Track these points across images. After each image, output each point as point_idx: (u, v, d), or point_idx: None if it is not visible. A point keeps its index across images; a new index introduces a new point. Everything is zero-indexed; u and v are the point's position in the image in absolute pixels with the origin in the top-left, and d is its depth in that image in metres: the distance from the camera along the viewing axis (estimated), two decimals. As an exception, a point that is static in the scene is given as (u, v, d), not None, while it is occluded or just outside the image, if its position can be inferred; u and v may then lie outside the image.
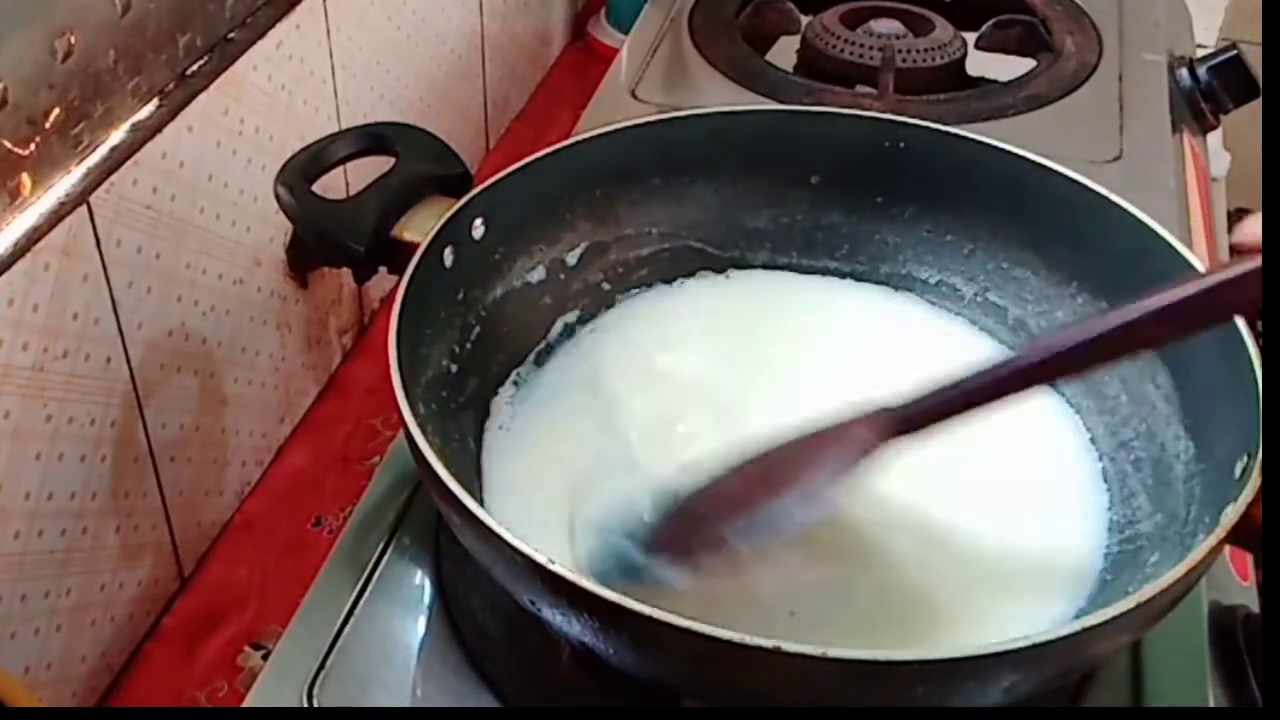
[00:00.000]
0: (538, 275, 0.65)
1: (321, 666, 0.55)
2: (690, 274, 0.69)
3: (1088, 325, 0.52)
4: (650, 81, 0.93)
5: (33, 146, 0.59)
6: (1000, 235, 0.66)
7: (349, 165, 0.65)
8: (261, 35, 0.74)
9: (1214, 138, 1.01)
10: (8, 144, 0.58)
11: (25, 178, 0.59)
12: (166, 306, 0.70)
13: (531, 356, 0.65)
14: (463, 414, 0.60)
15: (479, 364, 0.62)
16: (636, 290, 0.68)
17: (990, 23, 0.97)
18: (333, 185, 0.65)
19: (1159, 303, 0.47)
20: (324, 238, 0.60)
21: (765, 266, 0.70)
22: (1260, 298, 0.45)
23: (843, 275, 0.69)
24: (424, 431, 0.49)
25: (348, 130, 0.65)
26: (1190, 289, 0.47)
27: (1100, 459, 0.61)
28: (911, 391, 0.51)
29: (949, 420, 0.51)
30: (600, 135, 0.65)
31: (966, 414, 0.51)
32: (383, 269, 0.61)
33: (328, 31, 0.82)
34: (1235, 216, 1.73)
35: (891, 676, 0.43)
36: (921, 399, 0.51)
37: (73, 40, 0.60)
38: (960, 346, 0.67)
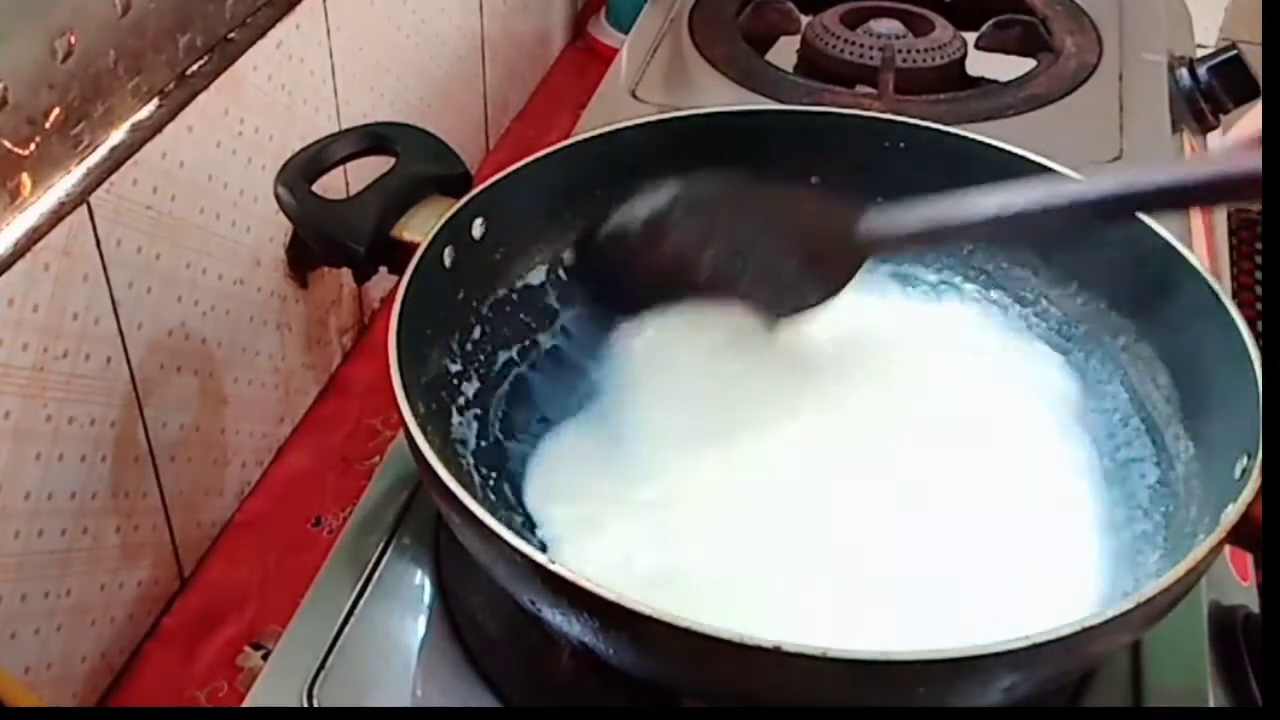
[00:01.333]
0: (538, 275, 0.65)
1: (321, 666, 0.55)
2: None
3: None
4: (650, 81, 0.93)
5: (33, 146, 0.59)
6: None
7: (349, 165, 0.65)
8: (261, 35, 0.74)
9: (1214, 138, 1.01)
10: (8, 144, 0.58)
11: (25, 178, 0.59)
12: (166, 306, 0.70)
13: (532, 356, 0.65)
14: (463, 414, 0.60)
15: (479, 364, 0.62)
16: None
17: (990, 23, 0.97)
18: (333, 185, 0.65)
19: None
20: (324, 238, 0.60)
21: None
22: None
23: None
24: (424, 431, 0.49)
25: (348, 130, 0.65)
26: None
27: (1100, 458, 0.61)
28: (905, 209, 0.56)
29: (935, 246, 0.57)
30: (600, 135, 0.65)
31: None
32: (383, 269, 0.61)
33: (328, 31, 0.82)
34: (1235, 217, 1.73)
35: (891, 676, 0.43)
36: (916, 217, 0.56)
37: (73, 40, 0.60)
38: (960, 347, 0.67)
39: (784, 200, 0.60)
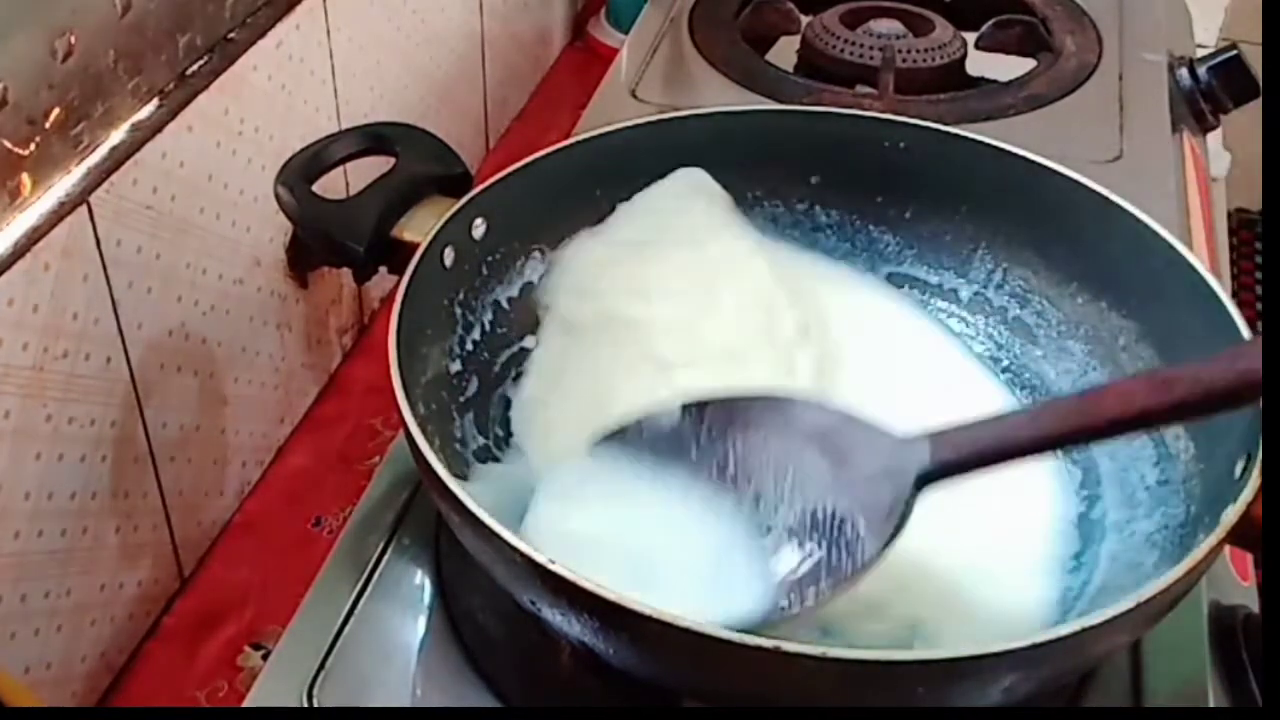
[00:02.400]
0: (538, 275, 0.65)
1: (321, 666, 0.55)
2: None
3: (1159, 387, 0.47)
4: (650, 81, 0.93)
5: (33, 146, 0.59)
6: (1000, 235, 0.66)
7: (349, 165, 0.65)
8: (261, 35, 0.74)
9: (1214, 138, 1.01)
10: (8, 144, 0.58)
11: (25, 178, 0.59)
12: (166, 306, 0.70)
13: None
14: (463, 414, 0.60)
15: (479, 364, 0.62)
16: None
17: (990, 23, 0.97)
18: (333, 185, 0.65)
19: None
20: (324, 238, 0.60)
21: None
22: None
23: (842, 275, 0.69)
24: (424, 431, 0.49)
25: (348, 130, 0.65)
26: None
27: (1100, 459, 0.61)
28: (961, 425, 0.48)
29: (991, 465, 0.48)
30: (600, 135, 0.65)
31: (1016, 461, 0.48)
32: (383, 269, 0.61)
33: (328, 31, 0.82)
34: (1235, 217, 1.74)
35: (891, 676, 0.43)
36: (963, 442, 0.48)
37: (73, 40, 0.60)
38: (960, 347, 0.67)
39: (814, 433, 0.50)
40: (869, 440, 0.49)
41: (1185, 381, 0.46)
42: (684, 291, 0.62)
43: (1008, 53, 0.97)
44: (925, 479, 0.48)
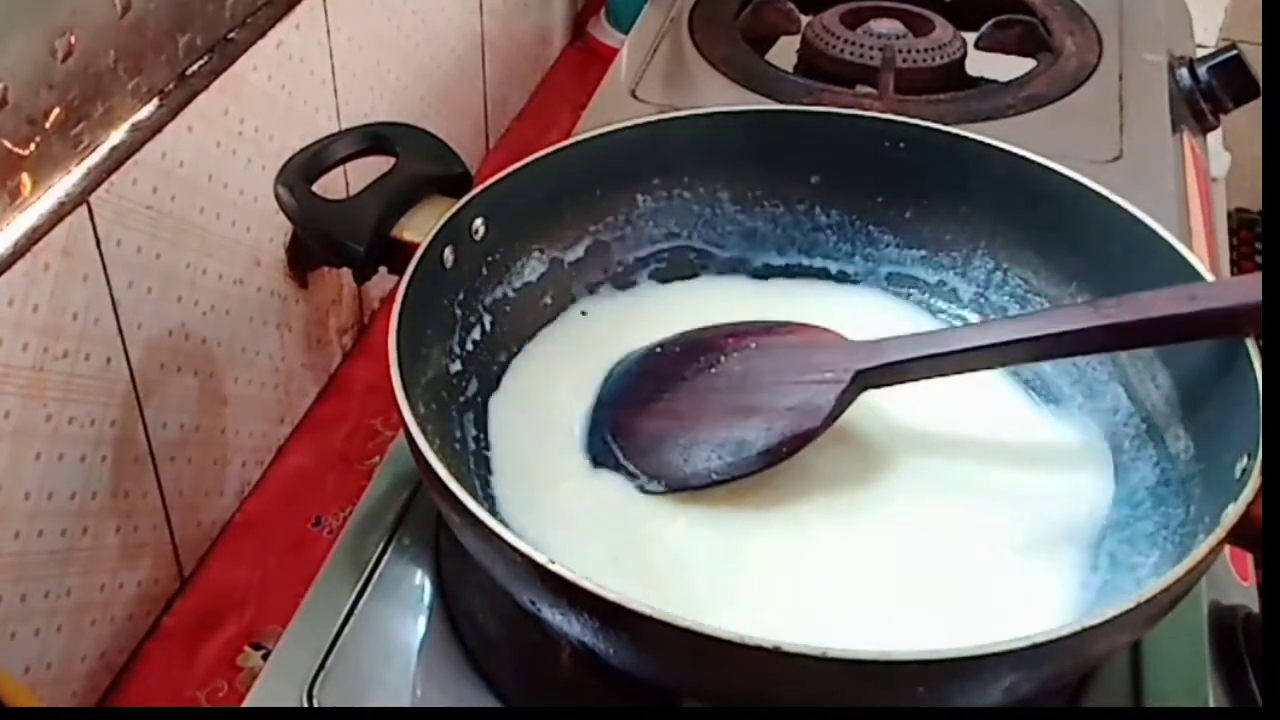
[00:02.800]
0: (538, 275, 0.65)
1: (321, 666, 0.55)
2: (691, 275, 0.69)
3: (1088, 313, 0.55)
4: (650, 81, 0.93)
5: (33, 146, 0.59)
6: (1000, 235, 0.66)
7: (349, 165, 0.65)
8: (261, 35, 0.74)
9: (1214, 138, 1.01)
10: (8, 144, 0.58)
11: (25, 178, 0.59)
12: (166, 306, 0.70)
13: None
14: (463, 414, 0.60)
15: (479, 364, 0.62)
16: (637, 289, 0.68)
17: (990, 23, 0.97)
18: (333, 185, 0.65)
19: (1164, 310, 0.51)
20: (324, 238, 0.60)
21: (766, 266, 0.70)
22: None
23: (843, 275, 0.69)
24: (424, 431, 0.49)
25: (348, 130, 0.65)
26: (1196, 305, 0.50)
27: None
28: (895, 338, 0.57)
29: (930, 375, 0.56)
30: (600, 135, 0.65)
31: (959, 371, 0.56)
32: (383, 269, 0.61)
33: (328, 31, 0.82)
34: (1235, 217, 1.74)
35: (891, 676, 0.43)
36: (904, 347, 0.56)
37: (73, 40, 0.60)
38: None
39: (771, 336, 0.60)
40: (821, 342, 0.59)
41: (1128, 307, 0.53)
42: None
43: (1008, 53, 0.97)
44: (865, 376, 0.56)
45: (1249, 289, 0.51)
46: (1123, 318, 0.53)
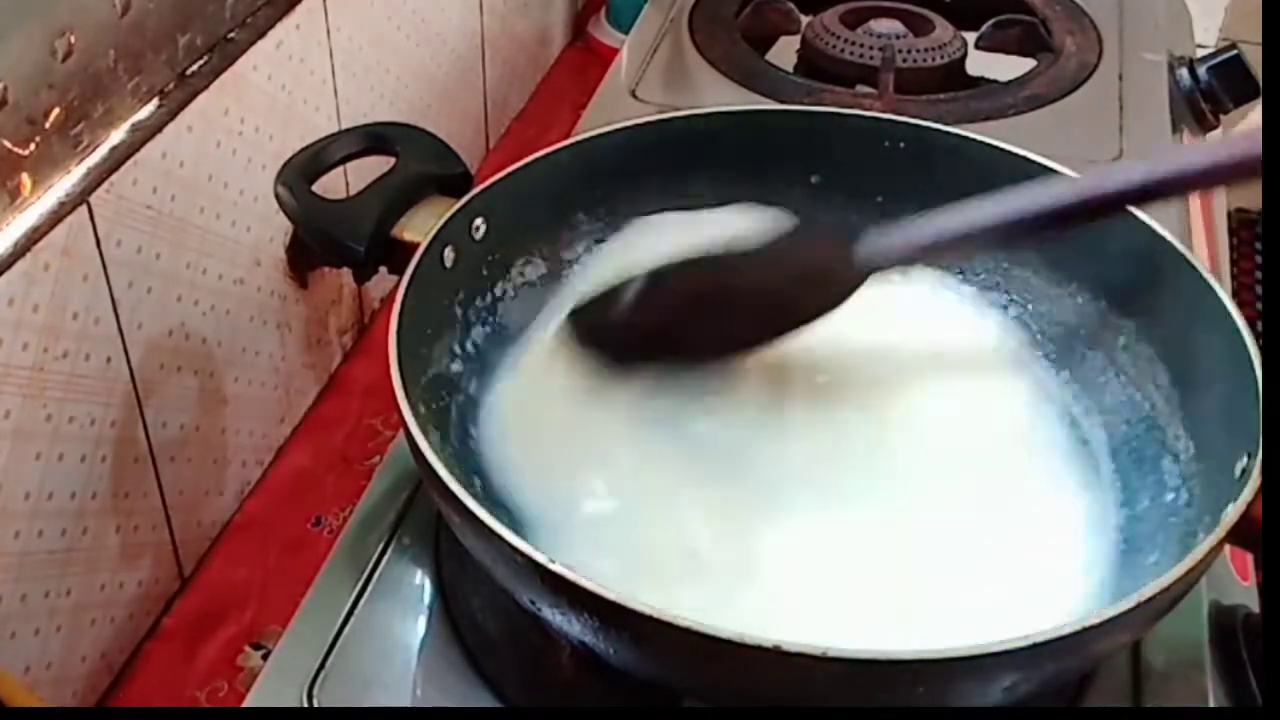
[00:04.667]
0: (538, 275, 0.65)
1: (321, 666, 0.55)
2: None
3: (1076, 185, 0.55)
4: (650, 81, 0.93)
5: (33, 146, 0.59)
6: (1000, 235, 0.66)
7: (349, 165, 0.65)
8: (261, 35, 0.74)
9: (1214, 137, 1.01)
10: (8, 144, 0.58)
11: (25, 178, 0.59)
12: (166, 306, 0.70)
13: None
14: (463, 414, 0.60)
15: (480, 363, 0.62)
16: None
17: (990, 23, 0.97)
18: (333, 185, 0.65)
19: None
20: (324, 238, 0.60)
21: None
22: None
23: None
24: (424, 431, 0.49)
25: (348, 130, 0.65)
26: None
27: (1100, 458, 0.61)
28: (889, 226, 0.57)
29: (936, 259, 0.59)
30: (600, 135, 0.65)
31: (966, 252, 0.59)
32: (383, 269, 0.61)
33: (328, 31, 0.82)
34: (1235, 217, 1.74)
35: (891, 676, 0.43)
36: (904, 233, 0.57)
37: (73, 40, 0.60)
38: (960, 347, 0.67)
39: (777, 241, 0.60)
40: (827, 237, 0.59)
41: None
42: None
43: (1008, 53, 0.97)
44: (869, 263, 0.57)
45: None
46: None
